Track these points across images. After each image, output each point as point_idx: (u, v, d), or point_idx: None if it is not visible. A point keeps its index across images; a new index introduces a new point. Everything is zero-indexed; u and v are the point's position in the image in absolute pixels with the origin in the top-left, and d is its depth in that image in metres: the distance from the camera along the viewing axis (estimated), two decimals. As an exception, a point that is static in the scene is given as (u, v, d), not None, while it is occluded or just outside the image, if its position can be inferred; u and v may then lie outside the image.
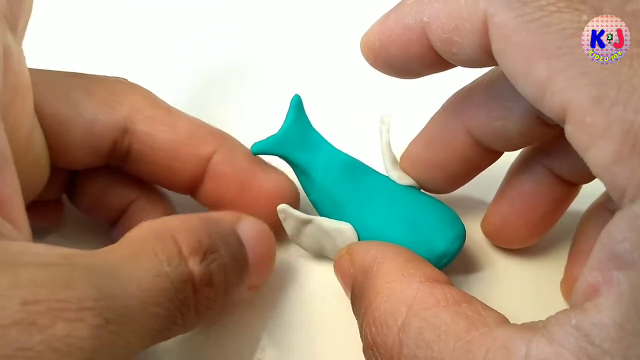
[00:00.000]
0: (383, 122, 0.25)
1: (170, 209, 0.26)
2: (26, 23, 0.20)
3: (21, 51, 0.20)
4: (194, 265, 0.19)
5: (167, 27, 0.35)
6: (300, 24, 0.34)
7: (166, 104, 0.24)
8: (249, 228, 0.22)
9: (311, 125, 0.25)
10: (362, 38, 0.22)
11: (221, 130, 0.25)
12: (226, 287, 0.20)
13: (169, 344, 0.23)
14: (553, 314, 0.17)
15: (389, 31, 0.21)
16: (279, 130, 0.24)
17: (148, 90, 0.24)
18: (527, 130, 0.22)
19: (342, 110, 0.31)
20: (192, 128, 0.24)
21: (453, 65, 0.21)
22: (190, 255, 0.19)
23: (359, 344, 0.20)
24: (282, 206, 0.24)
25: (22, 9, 0.20)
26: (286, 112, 0.24)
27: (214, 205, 0.25)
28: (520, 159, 0.25)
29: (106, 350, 0.15)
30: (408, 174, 0.25)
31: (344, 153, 0.25)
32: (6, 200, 0.17)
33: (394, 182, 0.24)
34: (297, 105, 0.24)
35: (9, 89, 0.18)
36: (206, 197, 0.25)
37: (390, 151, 0.25)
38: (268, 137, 0.24)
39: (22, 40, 0.20)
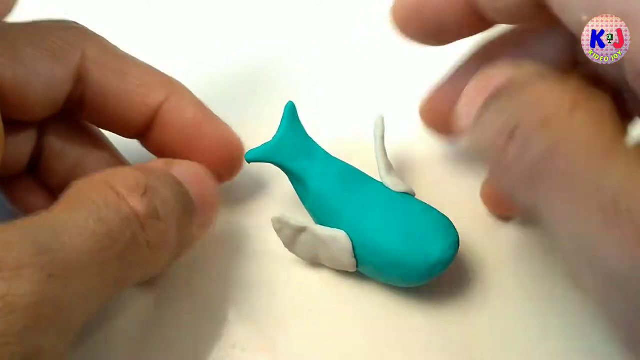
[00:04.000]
0: (377, 127, 0.25)
1: None
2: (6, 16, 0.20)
3: None
4: (136, 202, 0.19)
5: (172, 27, 0.35)
6: (297, 29, 0.34)
7: (120, 50, 0.24)
8: (184, 170, 0.22)
9: (305, 132, 0.25)
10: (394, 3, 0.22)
11: (173, 79, 0.25)
12: (176, 221, 0.21)
13: (135, 329, 0.24)
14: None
15: None
16: (273, 138, 0.24)
17: (100, 36, 0.24)
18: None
19: (337, 117, 0.31)
20: (144, 76, 0.24)
21: (489, 26, 0.21)
22: (129, 194, 0.19)
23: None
24: (276, 216, 0.24)
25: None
26: (280, 119, 0.24)
27: (161, 152, 0.25)
28: None
29: (54, 304, 0.16)
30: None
31: (338, 160, 0.25)
32: None
33: (389, 189, 0.24)
34: (291, 112, 0.24)
35: None
36: (153, 144, 0.25)
37: (385, 157, 0.25)
38: (262, 145, 0.24)
39: None
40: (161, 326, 0.24)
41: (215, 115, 0.25)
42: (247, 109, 0.26)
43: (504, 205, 0.25)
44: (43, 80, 0.22)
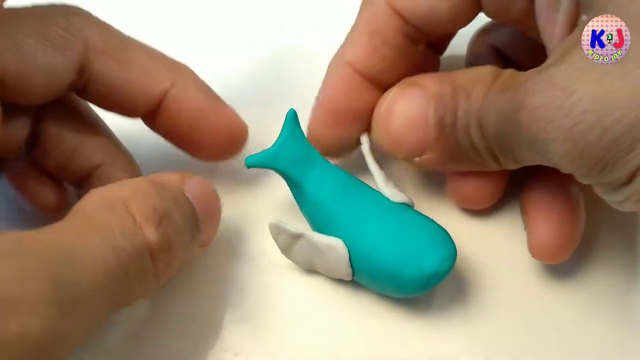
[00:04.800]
0: (363, 144, 0.25)
1: (137, 175, 0.25)
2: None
3: None
4: (150, 232, 0.19)
5: (173, 27, 0.34)
6: (300, 35, 0.34)
7: (123, 35, 0.24)
8: (195, 187, 0.22)
9: (306, 139, 0.25)
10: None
11: (178, 63, 0.25)
12: (183, 249, 0.21)
13: (129, 330, 0.24)
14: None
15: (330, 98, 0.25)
16: (274, 145, 0.24)
17: (103, 22, 0.24)
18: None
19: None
20: (147, 64, 0.24)
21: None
22: (146, 222, 0.19)
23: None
24: (274, 222, 0.24)
25: None
26: (281, 126, 0.24)
27: (167, 135, 0.25)
28: None
29: (60, 337, 0.15)
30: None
31: (338, 168, 0.25)
32: None
33: (388, 199, 0.24)
34: (292, 119, 0.24)
35: None
36: (160, 128, 0.25)
37: (379, 170, 0.25)
38: (262, 151, 0.24)
39: None
40: (155, 328, 0.24)
41: (220, 99, 0.26)
42: (248, 115, 0.26)
43: (471, 198, 0.26)
44: (44, 71, 0.22)
